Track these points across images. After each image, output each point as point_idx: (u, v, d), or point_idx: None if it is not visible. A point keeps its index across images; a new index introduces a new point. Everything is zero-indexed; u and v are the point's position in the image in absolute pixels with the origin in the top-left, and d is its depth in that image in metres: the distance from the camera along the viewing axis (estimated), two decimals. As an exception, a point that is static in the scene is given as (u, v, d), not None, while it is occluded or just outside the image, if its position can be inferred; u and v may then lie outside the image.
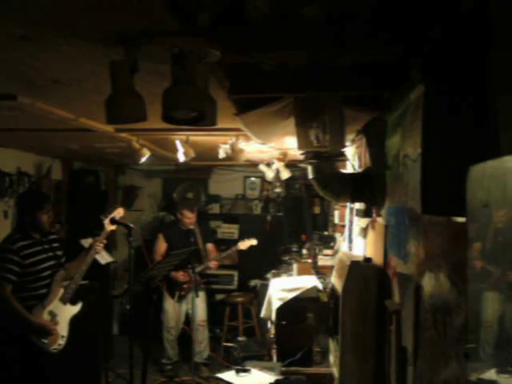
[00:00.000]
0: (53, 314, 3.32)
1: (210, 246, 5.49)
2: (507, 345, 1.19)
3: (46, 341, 3.23)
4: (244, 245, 5.49)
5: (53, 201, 5.50)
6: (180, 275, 5.15)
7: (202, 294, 5.39)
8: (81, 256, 3.57)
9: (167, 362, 5.36)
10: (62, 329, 3.37)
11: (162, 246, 5.35)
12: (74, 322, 3.47)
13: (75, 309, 3.50)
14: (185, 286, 5.20)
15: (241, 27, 1.70)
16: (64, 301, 3.41)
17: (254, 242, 5.52)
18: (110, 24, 1.68)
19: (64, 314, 3.40)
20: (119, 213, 3.67)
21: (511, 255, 1.18)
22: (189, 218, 5.25)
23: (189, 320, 5.20)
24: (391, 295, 2.50)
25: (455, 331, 1.53)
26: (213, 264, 5.35)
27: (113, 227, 3.66)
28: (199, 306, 5.25)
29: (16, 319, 3.17)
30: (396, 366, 2.21)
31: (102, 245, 3.59)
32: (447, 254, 1.64)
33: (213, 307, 5.95)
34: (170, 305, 5.30)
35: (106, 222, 3.61)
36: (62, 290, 3.42)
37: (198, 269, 5.04)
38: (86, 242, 4.66)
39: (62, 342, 3.34)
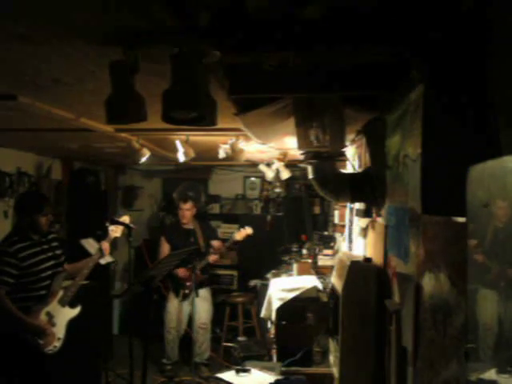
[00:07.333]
0: (50, 316, 3.31)
1: (215, 242, 5.48)
2: (507, 345, 1.19)
3: (41, 341, 3.22)
4: (240, 235, 5.40)
5: (53, 201, 5.53)
6: (180, 271, 5.14)
7: (206, 294, 5.38)
8: (86, 260, 3.58)
9: (167, 362, 5.36)
10: (59, 331, 3.35)
11: (165, 248, 5.36)
12: (74, 322, 3.46)
13: (73, 312, 3.48)
14: (188, 283, 5.19)
15: (241, 27, 1.70)
16: (63, 303, 3.40)
17: (249, 230, 5.42)
18: (110, 24, 1.68)
19: (62, 316, 3.39)
20: (125, 220, 3.67)
21: (510, 256, 1.18)
22: (181, 208, 5.28)
23: (191, 321, 5.21)
24: (391, 295, 2.50)
25: (455, 331, 1.53)
26: (212, 258, 5.32)
27: (117, 234, 3.65)
28: (202, 306, 5.25)
29: (10, 320, 3.17)
30: (396, 365, 2.21)
31: (107, 249, 3.59)
32: (447, 254, 1.64)
33: (213, 307, 5.95)
34: (172, 305, 5.30)
35: (112, 228, 3.60)
36: (61, 292, 3.41)
37: (199, 265, 5.04)
38: (86, 242, 4.67)
39: (57, 344, 3.32)
